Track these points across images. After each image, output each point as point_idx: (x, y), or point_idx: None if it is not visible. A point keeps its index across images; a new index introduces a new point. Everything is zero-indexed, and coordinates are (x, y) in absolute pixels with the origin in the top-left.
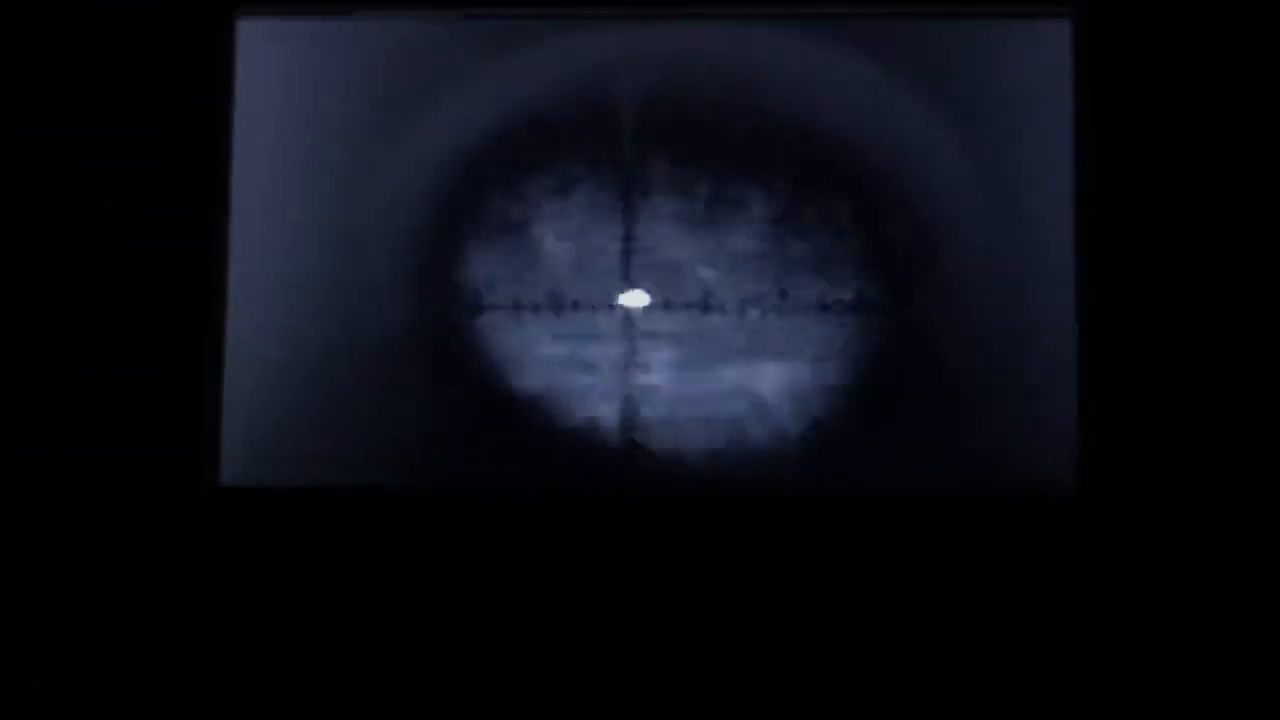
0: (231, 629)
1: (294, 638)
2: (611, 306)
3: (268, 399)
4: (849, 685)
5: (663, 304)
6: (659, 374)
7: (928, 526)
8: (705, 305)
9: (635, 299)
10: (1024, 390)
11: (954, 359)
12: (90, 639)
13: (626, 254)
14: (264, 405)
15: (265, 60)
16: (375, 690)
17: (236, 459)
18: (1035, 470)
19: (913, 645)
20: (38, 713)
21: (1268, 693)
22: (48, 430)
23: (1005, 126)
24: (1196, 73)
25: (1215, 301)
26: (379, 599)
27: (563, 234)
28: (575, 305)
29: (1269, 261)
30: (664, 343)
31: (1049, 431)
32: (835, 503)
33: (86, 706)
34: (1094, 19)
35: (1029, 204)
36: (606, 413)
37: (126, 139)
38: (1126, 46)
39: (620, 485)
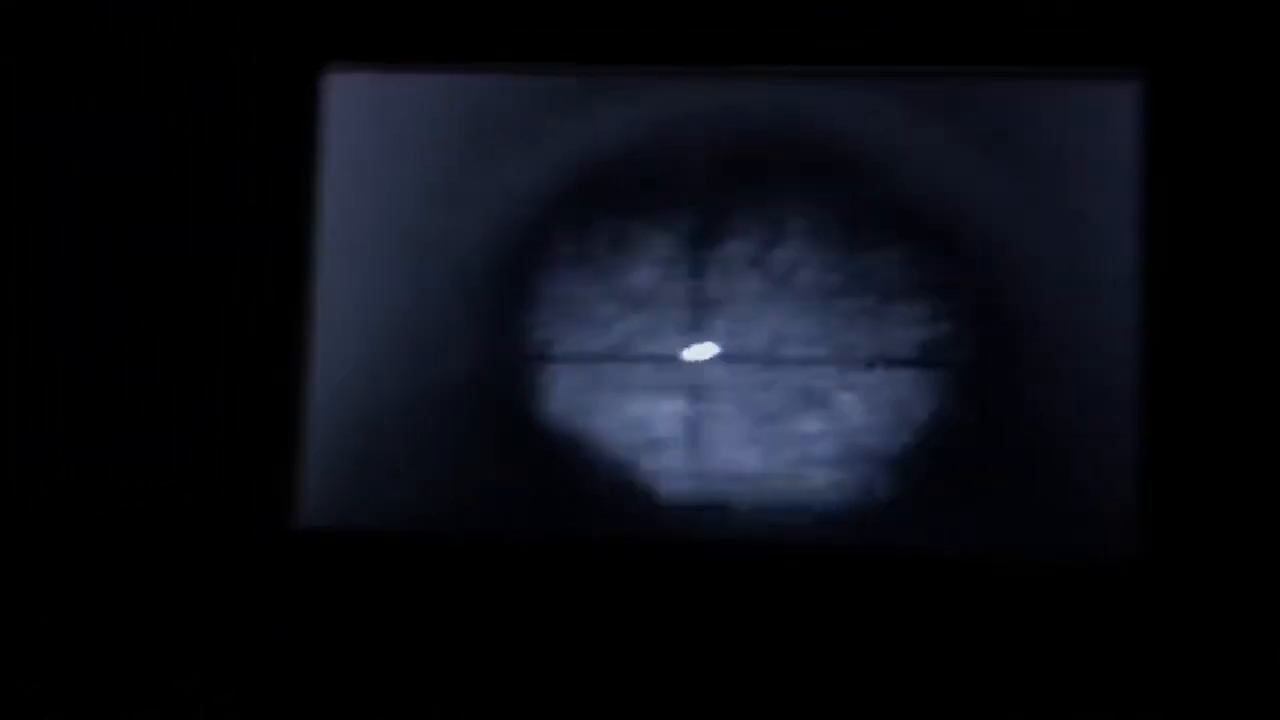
0: (284, 664)
1: (351, 676)
2: (678, 358)
3: (345, 446)
4: None
5: (729, 356)
6: (724, 426)
7: (986, 586)
8: (772, 358)
9: (702, 351)
10: (1086, 450)
11: (1017, 417)
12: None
13: (695, 305)
14: (341, 452)
15: (350, 113)
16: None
17: (315, 502)
18: (1097, 532)
19: (966, 705)
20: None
21: None
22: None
23: (1074, 187)
24: (1268, 137)
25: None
26: (443, 643)
27: (632, 285)
28: (642, 356)
29: None
30: (730, 394)
31: (1111, 493)
32: (894, 560)
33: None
34: (1164, 81)
35: (1095, 265)
36: (671, 463)
37: (219, 188)
38: (1197, 109)
39: (684, 536)
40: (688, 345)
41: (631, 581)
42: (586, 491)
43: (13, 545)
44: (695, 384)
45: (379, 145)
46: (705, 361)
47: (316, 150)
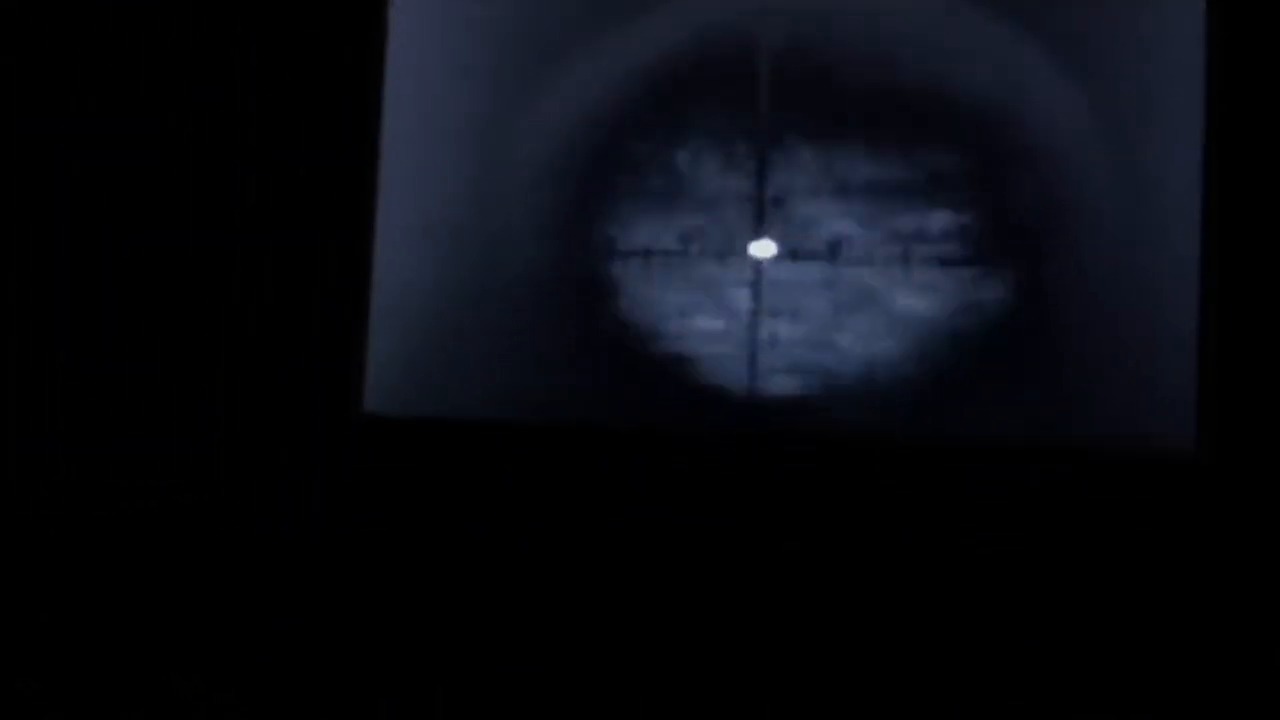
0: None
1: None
2: (741, 255)
3: (411, 339)
4: (966, 624)
5: (791, 254)
6: (784, 322)
7: (1043, 480)
8: (832, 257)
9: (764, 249)
10: (1145, 349)
11: (1077, 317)
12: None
13: (758, 204)
14: (407, 344)
15: (413, 18)
16: (505, 610)
17: (381, 391)
18: (1155, 429)
19: (1020, 592)
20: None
21: None
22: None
23: (1138, 89)
24: None
25: None
26: (504, 528)
27: (697, 184)
28: (706, 253)
29: None
30: (790, 292)
31: (1170, 391)
32: (951, 453)
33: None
34: None
35: (1156, 168)
36: (732, 358)
37: (285, 91)
38: (1260, 16)
39: (742, 428)
40: (751, 243)
41: (691, 472)
42: (649, 384)
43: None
44: (757, 280)
45: (443, 50)
46: (768, 259)
47: (381, 56)
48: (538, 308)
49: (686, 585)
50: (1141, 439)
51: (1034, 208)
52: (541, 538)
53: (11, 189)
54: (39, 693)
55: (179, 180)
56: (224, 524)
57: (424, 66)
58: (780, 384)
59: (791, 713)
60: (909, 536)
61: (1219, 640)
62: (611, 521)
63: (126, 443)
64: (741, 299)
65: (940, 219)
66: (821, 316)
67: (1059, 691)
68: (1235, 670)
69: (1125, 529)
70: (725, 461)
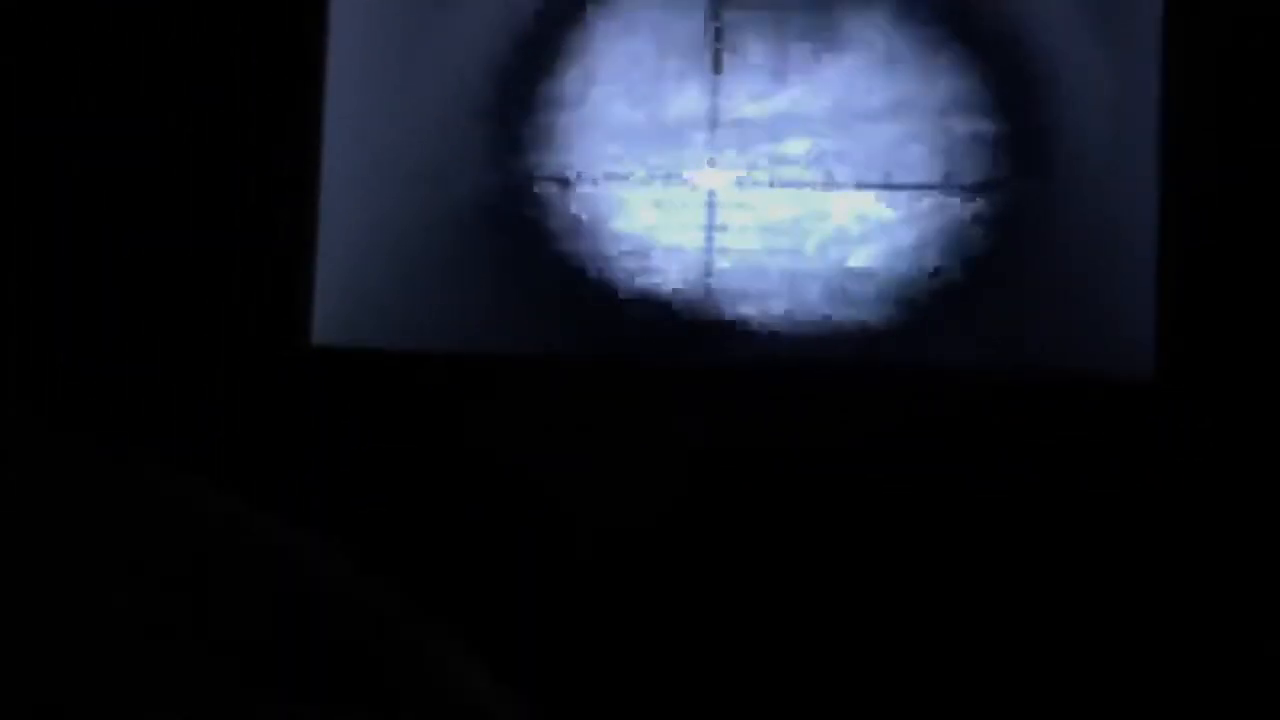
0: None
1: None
2: (695, 177)
3: (359, 265)
4: (922, 554)
5: (745, 176)
6: (744, 246)
7: (1001, 405)
8: (792, 180)
9: (721, 170)
10: (1105, 272)
11: (1039, 240)
12: None
13: (713, 124)
14: (355, 271)
15: None
16: (459, 542)
17: (328, 322)
18: (1113, 356)
19: (976, 522)
20: None
21: None
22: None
23: (1099, 8)
24: None
25: None
26: (457, 459)
27: (648, 103)
28: (658, 175)
29: None
30: (749, 215)
31: (1129, 318)
32: (910, 378)
33: None
34: None
35: (1113, 90)
36: (686, 284)
37: (225, 23)
38: None
39: (696, 356)
40: (705, 164)
41: (646, 401)
42: (602, 312)
43: None
44: (711, 204)
45: None
46: (722, 180)
47: None
48: (487, 236)
49: (644, 515)
50: (1100, 366)
51: (993, 132)
52: (498, 468)
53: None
54: None
55: (122, 108)
56: (174, 458)
57: None
58: (736, 311)
59: (753, 641)
60: (864, 464)
61: (1178, 567)
62: (567, 450)
63: (72, 373)
64: (696, 223)
65: (899, 143)
66: (777, 241)
67: (1018, 617)
68: (1195, 593)
69: (1083, 456)
70: (682, 390)
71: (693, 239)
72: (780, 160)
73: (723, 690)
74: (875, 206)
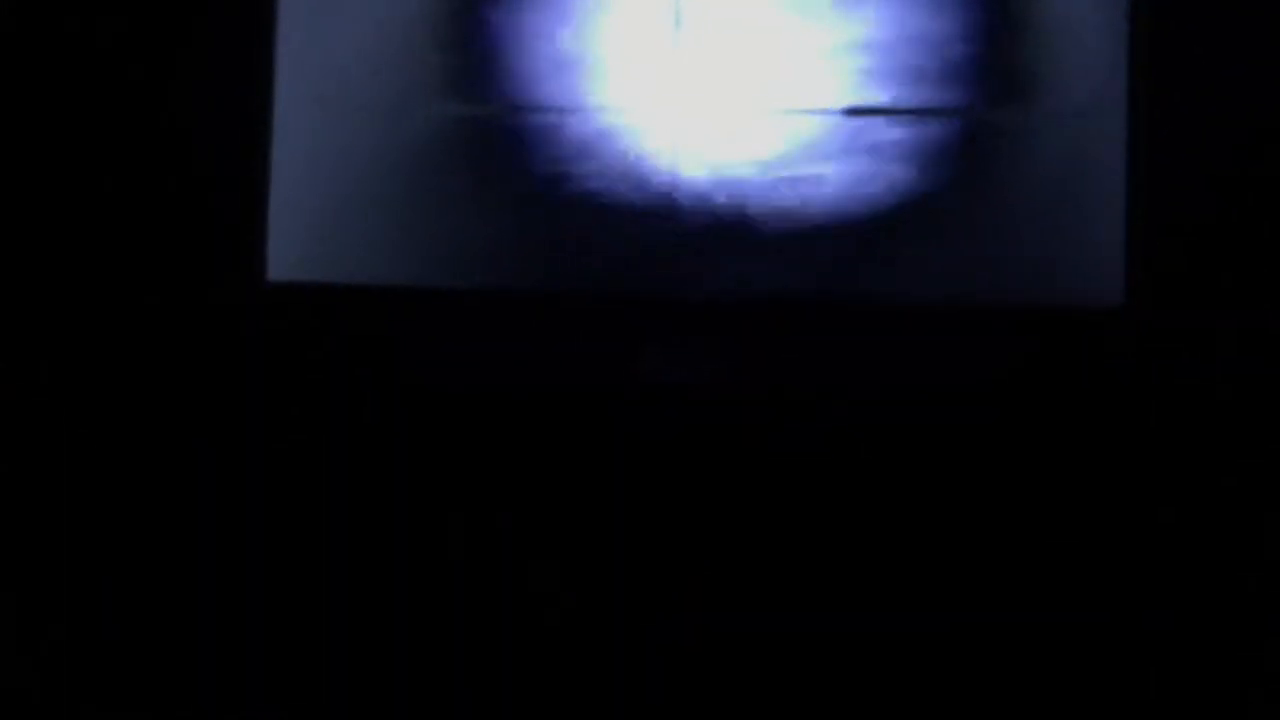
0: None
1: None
2: (657, 110)
3: (313, 200)
4: (890, 486)
5: (709, 107)
6: (707, 177)
7: (973, 332)
8: (754, 110)
9: (685, 100)
10: (1076, 201)
11: (1009, 170)
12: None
13: (676, 53)
14: (309, 207)
15: None
16: (417, 478)
17: (283, 257)
18: (1085, 280)
19: (947, 448)
20: None
21: None
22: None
23: None
24: None
25: (1268, 107)
26: (417, 395)
27: (608, 36)
28: (620, 108)
29: None
30: (710, 147)
31: (1099, 242)
32: (878, 309)
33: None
34: None
35: (1077, 8)
36: (647, 218)
37: None
38: None
39: (659, 290)
40: (667, 98)
41: (608, 335)
42: (561, 246)
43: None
44: (673, 136)
45: None
46: (684, 113)
47: None
48: (443, 171)
49: (605, 452)
50: (1070, 293)
51: (961, 60)
52: (456, 403)
53: None
54: None
55: (70, 45)
56: (131, 396)
57: None
58: (699, 244)
59: (711, 570)
60: (832, 398)
61: (1149, 488)
62: (525, 385)
63: (27, 313)
64: (658, 155)
65: (862, 69)
66: (742, 172)
67: (991, 544)
68: (1166, 512)
69: (1054, 382)
70: (643, 324)
71: (654, 170)
72: (745, 89)
73: (669, 614)
74: (842, 134)
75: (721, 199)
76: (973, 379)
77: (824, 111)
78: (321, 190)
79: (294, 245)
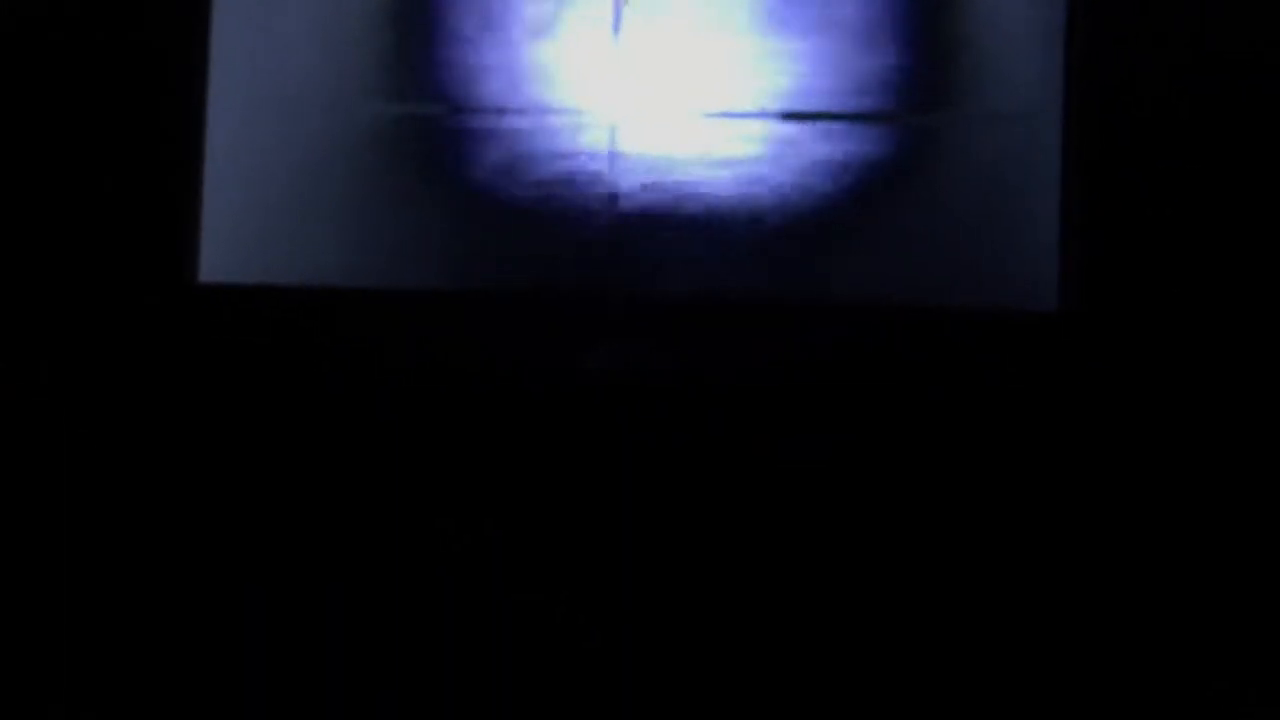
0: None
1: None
2: (597, 108)
3: (247, 200)
4: (825, 488)
5: (649, 108)
6: (646, 179)
7: (907, 336)
8: (691, 111)
9: (623, 103)
10: (1010, 207)
11: (943, 170)
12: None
13: (616, 56)
14: (243, 206)
15: None
16: (350, 481)
17: (216, 257)
18: (1019, 286)
19: (879, 448)
20: None
21: (1253, 508)
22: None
23: None
24: None
25: (1204, 112)
26: (353, 396)
27: (549, 34)
28: (560, 107)
29: (1260, 78)
30: (651, 149)
31: (1034, 248)
32: (814, 311)
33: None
34: None
35: (1023, 26)
36: (588, 217)
37: None
38: None
39: (598, 289)
40: (606, 100)
41: (547, 334)
42: (501, 246)
43: None
44: (612, 139)
45: None
46: (623, 116)
47: None
48: (380, 171)
49: (545, 450)
50: (1005, 300)
51: (897, 63)
52: (395, 405)
53: None
54: None
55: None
56: (60, 398)
57: None
58: (639, 244)
59: (659, 574)
60: (769, 397)
61: (1082, 492)
62: (465, 385)
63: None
64: (598, 154)
65: (799, 74)
66: (680, 173)
67: (923, 543)
68: (1100, 516)
69: (988, 388)
70: (583, 324)
71: (592, 172)
72: (683, 93)
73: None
74: (779, 138)
75: (659, 201)
76: (907, 380)
77: (761, 115)
78: (256, 191)
79: (227, 246)
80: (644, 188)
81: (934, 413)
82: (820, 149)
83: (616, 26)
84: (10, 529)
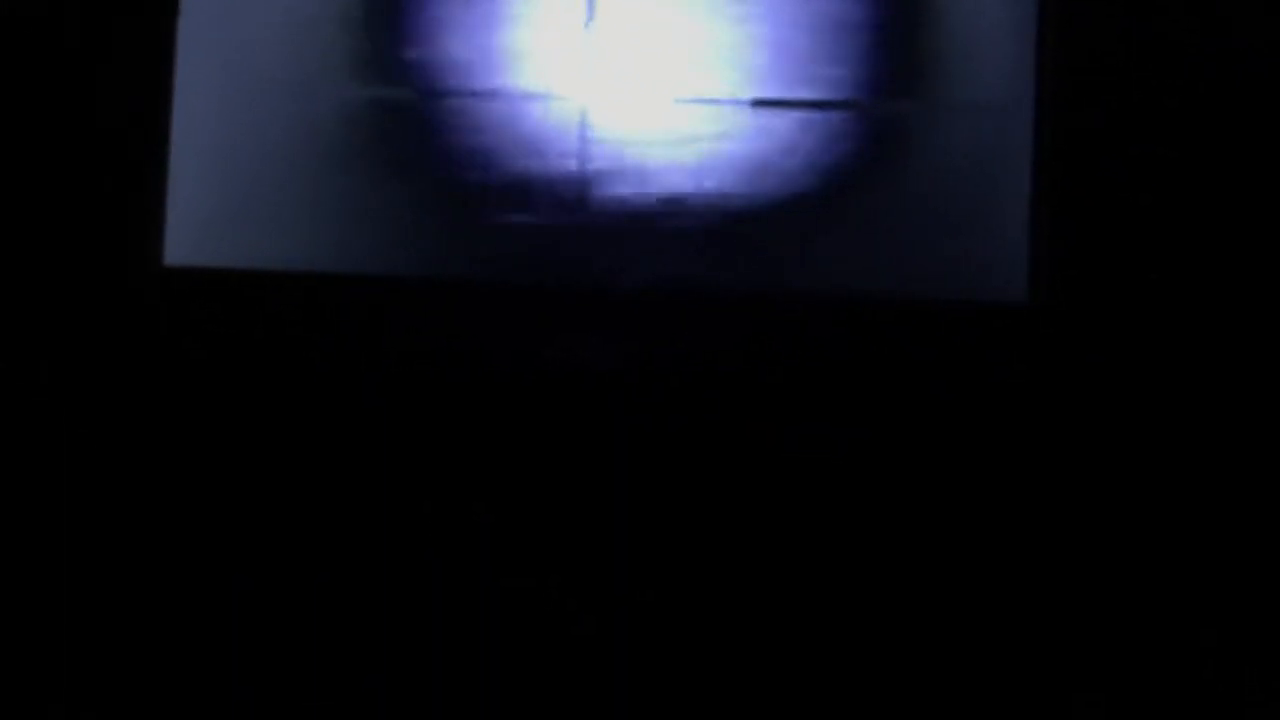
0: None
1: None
2: (568, 94)
3: (213, 182)
4: (795, 480)
5: (620, 94)
6: (616, 166)
7: (875, 327)
8: (663, 98)
9: (595, 88)
10: (980, 197)
11: (914, 160)
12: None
13: (588, 42)
14: (209, 189)
15: None
16: (322, 465)
17: (183, 241)
18: (988, 277)
19: (847, 440)
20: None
21: (1223, 497)
22: None
23: None
24: None
25: (1174, 107)
26: (320, 381)
27: (519, 18)
28: (530, 92)
29: (1229, 71)
30: (622, 133)
31: (1003, 239)
32: (784, 300)
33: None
34: None
35: (995, 16)
36: (557, 204)
37: None
38: None
39: (568, 278)
40: (578, 81)
41: (515, 323)
42: (469, 232)
43: None
44: (583, 124)
45: None
46: (595, 101)
47: None
48: (350, 154)
49: (512, 437)
50: (974, 291)
51: (868, 52)
52: (361, 390)
53: None
54: None
55: None
56: (26, 383)
57: None
58: (607, 230)
59: (630, 565)
60: (739, 388)
61: (1052, 484)
62: (433, 373)
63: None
64: (569, 138)
65: (770, 61)
66: (650, 159)
67: (897, 533)
68: (1069, 509)
69: (957, 379)
70: (551, 310)
71: (564, 157)
72: (654, 78)
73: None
74: (750, 125)
75: (630, 186)
76: (875, 372)
77: (733, 102)
78: (224, 173)
79: (193, 229)
80: (614, 172)
81: (903, 405)
82: (790, 137)
83: (590, 11)
84: None
